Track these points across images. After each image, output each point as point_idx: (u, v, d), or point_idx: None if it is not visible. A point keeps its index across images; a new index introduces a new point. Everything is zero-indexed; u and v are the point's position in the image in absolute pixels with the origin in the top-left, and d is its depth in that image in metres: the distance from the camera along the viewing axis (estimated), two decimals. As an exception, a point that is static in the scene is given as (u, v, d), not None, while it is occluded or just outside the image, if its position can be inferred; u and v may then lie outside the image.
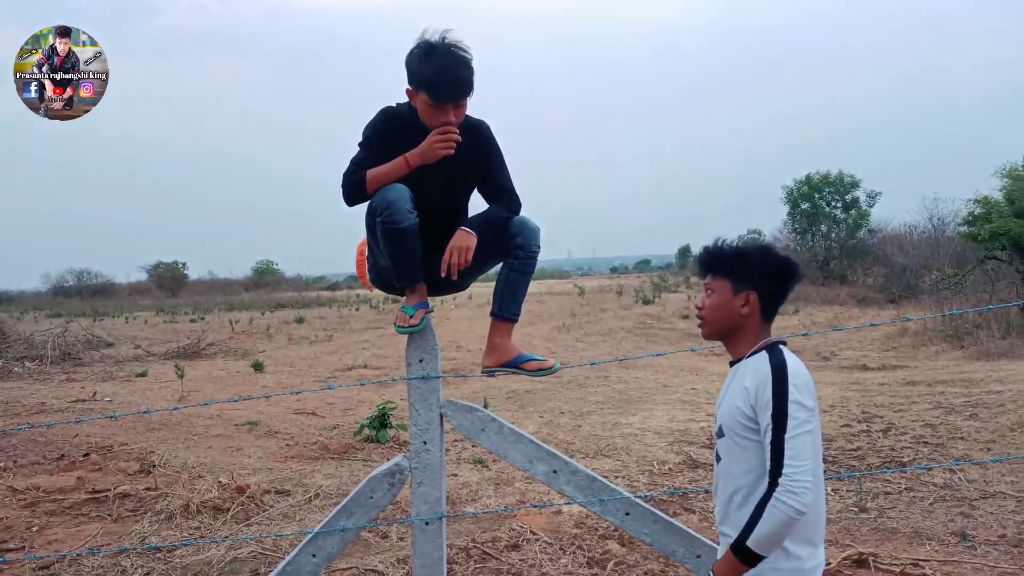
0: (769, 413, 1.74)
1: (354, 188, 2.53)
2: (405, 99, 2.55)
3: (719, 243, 1.97)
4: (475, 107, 2.56)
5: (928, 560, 3.78)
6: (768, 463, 1.74)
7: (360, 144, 2.57)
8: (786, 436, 1.72)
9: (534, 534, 4.20)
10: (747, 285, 1.90)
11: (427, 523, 2.60)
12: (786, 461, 1.71)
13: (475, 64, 2.44)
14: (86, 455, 5.91)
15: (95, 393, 9.57)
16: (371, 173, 2.51)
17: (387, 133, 2.55)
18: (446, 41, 2.42)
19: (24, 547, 4.18)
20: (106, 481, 5.23)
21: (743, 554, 1.75)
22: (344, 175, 2.55)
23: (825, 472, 1.92)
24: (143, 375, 12.23)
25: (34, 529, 4.44)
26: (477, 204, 2.75)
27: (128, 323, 27.50)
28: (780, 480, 1.70)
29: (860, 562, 3.76)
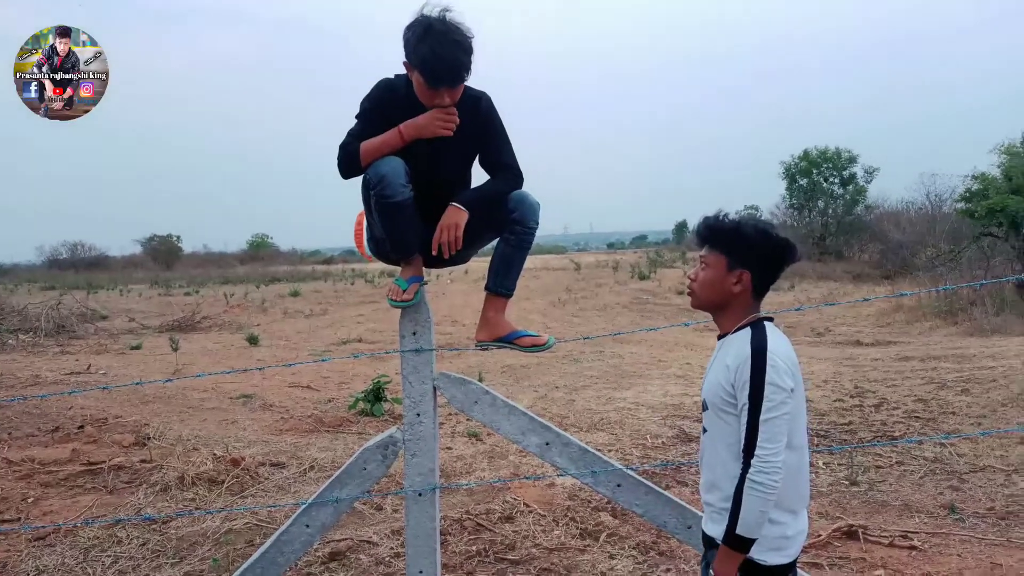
0: (746, 393, 1.77)
1: (348, 161, 2.48)
2: (403, 71, 2.49)
3: (720, 216, 1.95)
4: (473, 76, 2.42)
5: (917, 532, 3.83)
6: (743, 442, 1.78)
7: (357, 116, 2.52)
8: (761, 418, 1.75)
9: (527, 506, 4.23)
10: (742, 264, 1.89)
11: (420, 494, 2.60)
12: (759, 442, 1.74)
13: (475, 44, 2.35)
14: (81, 427, 5.92)
15: (89, 366, 9.58)
16: (365, 145, 2.45)
17: (384, 106, 2.49)
18: (445, 21, 2.33)
19: (20, 518, 4.21)
20: (101, 453, 5.24)
21: (736, 543, 1.77)
22: (340, 147, 2.49)
23: (817, 446, 1.94)
24: (137, 348, 12.24)
25: (29, 500, 4.46)
26: (480, 175, 2.64)
27: (123, 296, 27.45)
28: (753, 461, 1.74)
29: (850, 534, 3.80)
